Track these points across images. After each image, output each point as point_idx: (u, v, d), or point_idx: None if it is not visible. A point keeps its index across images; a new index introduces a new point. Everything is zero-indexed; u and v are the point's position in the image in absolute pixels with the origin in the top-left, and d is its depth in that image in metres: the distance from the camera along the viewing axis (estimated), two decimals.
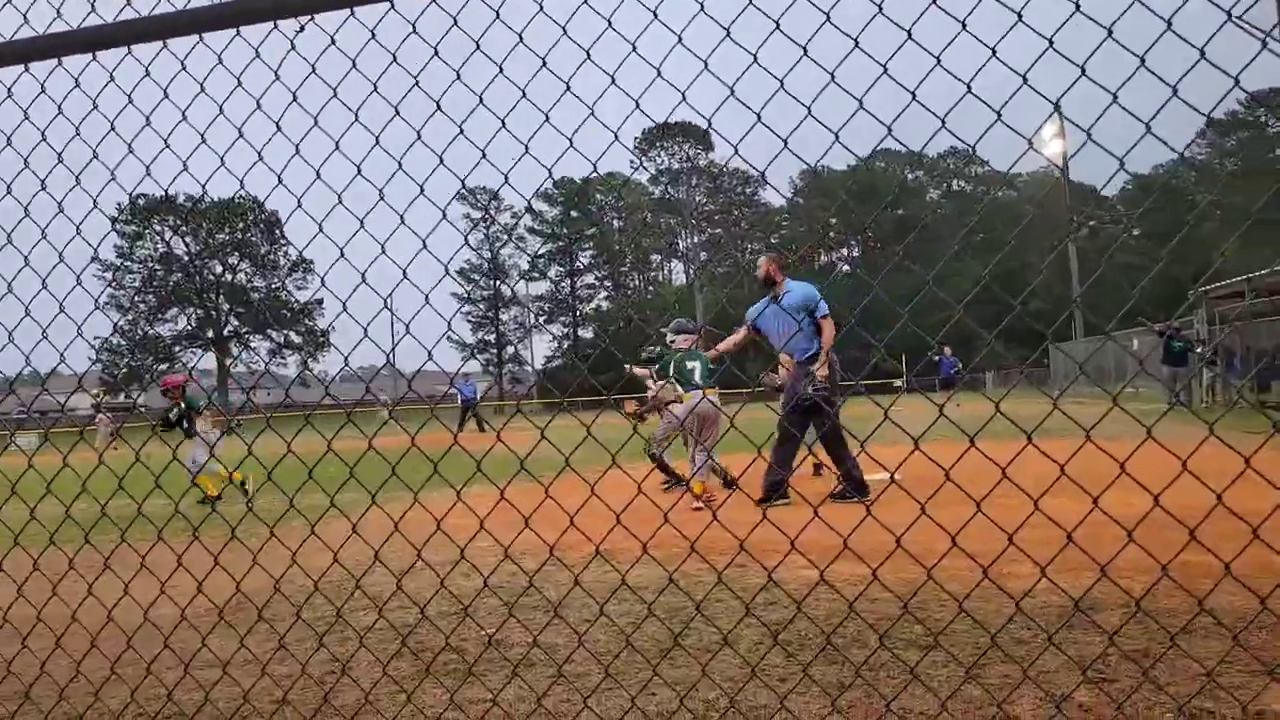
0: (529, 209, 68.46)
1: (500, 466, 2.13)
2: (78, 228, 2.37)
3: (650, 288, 76.74)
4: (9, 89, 2.27)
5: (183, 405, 10.11)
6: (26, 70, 2.12)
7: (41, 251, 2.44)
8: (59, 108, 2.27)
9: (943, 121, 1.89)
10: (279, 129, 2.08)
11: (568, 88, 2.00)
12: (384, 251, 2.11)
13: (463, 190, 2.29)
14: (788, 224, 76.27)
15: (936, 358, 22.23)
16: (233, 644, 3.22)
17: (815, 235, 71.32)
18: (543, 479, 2.09)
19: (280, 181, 2.17)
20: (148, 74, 2.12)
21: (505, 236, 74.10)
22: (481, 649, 3.41)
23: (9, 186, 2.36)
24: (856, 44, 1.90)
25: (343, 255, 2.11)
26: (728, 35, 2.00)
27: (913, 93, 1.86)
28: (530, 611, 3.99)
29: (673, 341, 8.35)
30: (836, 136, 1.95)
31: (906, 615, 3.47)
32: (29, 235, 2.41)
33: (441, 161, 2.10)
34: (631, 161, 72.54)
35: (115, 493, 2.43)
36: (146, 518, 2.45)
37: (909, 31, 1.88)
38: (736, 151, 2.07)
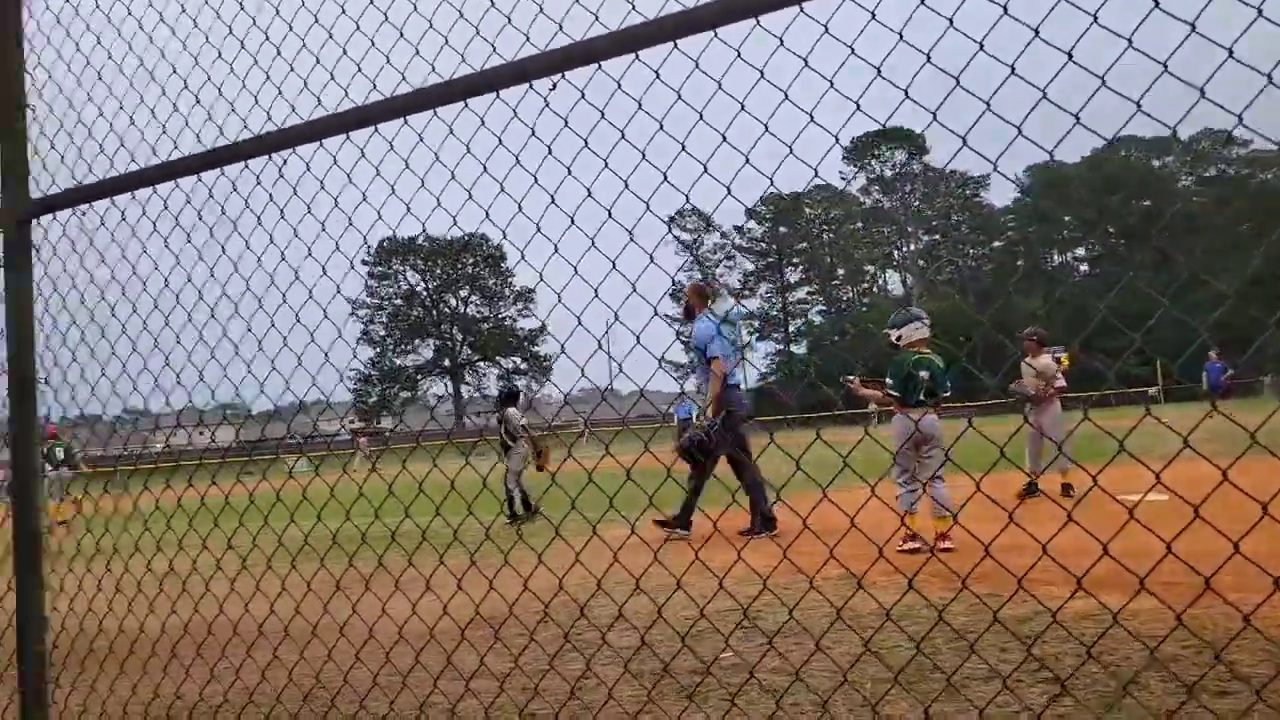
0: (743, 219, 68.66)
1: (717, 491, 2.12)
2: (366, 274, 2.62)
3: (865, 300, 74.59)
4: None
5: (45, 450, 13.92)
6: (321, 145, 2.40)
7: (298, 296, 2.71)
8: (349, 172, 2.54)
9: (1202, 93, 1.65)
10: (535, 180, 2.22)
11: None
12: (614, 267, 2.18)
13: (673, 217, 2.36)
14: (1014, 224, 71.69)
15: (1209, 364, 20.00)
16: (498, 658, 3.42)
17: (1047, 235, 66.47)
18: (784, 501, 2.06)
19: (539, 229, 2.30)
20: (420, 140, 2.33)
21: (715, 256, 74.90)
22: (745, 678, 3.41)
23: (309, 248, 2.64)
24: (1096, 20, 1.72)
25: (578, 275, 2.20)
26: (951, 25, 1.88)
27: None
28: (779, 638, 3.95)
29: (899, 339, 6.63)
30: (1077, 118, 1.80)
31: (1214, 662, 3.11)
32: (297, 285, 2.68)
33: (687, 196, 2.14)
34: (841, 174, 71.03)
35: (403, 518, 2.65)
36: (428, 541, 2.66)
37: None
38: (965, 143, 1.95)
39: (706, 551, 2.03)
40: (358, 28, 2.47)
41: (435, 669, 3.03)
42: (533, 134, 2.24)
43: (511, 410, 10.83)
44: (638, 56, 2.11)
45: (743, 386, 7.89)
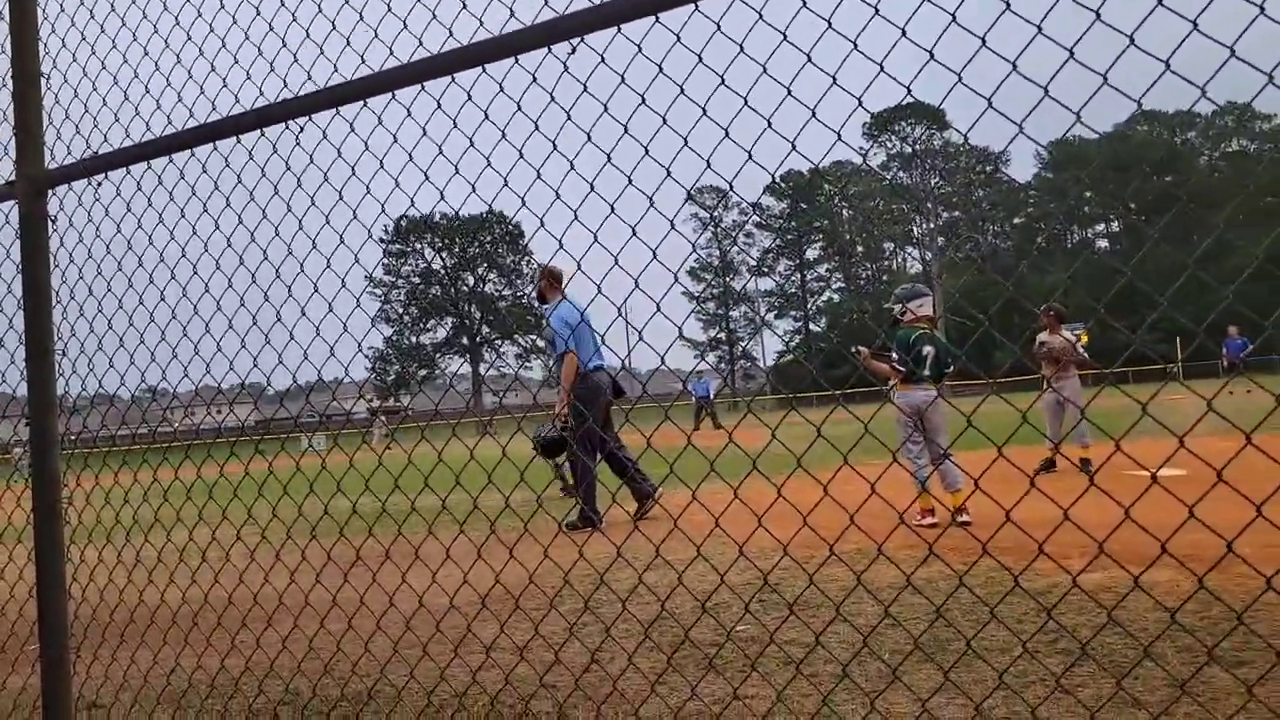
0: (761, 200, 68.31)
1: (737, 465, 2.09)
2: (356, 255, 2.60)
3: (884, 278, 73.94)
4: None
5: None
6: (338, 114, 2.37)
7: (317, 272, 2.69)
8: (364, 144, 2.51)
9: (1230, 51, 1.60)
10: (555, 147, 2.18)
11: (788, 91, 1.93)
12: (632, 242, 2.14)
13: (690, 192, 2.31)
14: (1035, 201, 70.82)
15: (1228, 339, 19.80)
16: (518, 629, 3.43)
17: (1067, 211, 65.70)
18: (782, 477, 2.03)
19: (558, 195, 2.26)
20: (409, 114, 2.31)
21: (733, 234, 74.41)
22: (764, 646, 3.41)
23: (327, 217, 2.62)
24: None
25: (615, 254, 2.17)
26: None
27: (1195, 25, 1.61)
28: (797, 608, 3.94)
29: (904, 314, 6.54)
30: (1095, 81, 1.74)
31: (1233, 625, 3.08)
32: (314, 262, 2.65)
33: (669, 174, 2.10)
34: (860, 149, 70.09)
35: (392, 491, 2.64)
36: (448, 511, 2.66)
37: None
38: (991, 105, 1.89)
39: (724, 522, 2.02)
40: None
41: (455, 639, 3.03)
42: (552, 99, 2.20)
43: None
44: (658, 19, 2.06)
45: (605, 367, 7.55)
